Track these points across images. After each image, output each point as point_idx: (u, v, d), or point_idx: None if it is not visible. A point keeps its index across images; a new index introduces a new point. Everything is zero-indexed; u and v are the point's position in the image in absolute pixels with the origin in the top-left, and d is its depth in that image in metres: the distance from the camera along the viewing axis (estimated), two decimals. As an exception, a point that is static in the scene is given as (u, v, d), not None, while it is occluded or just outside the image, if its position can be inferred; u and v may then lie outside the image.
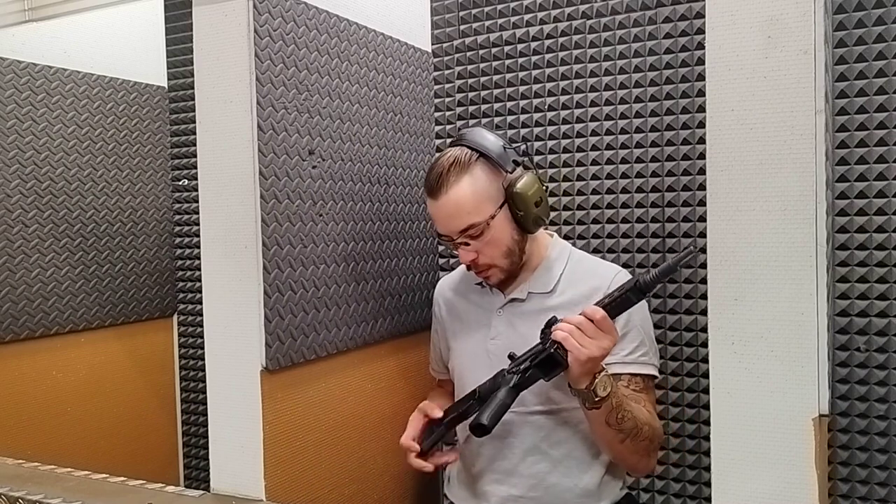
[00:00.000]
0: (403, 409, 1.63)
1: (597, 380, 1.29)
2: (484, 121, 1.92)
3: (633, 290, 1.27)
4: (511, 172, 1.44)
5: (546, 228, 1.59)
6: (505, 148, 1.44)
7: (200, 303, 2.04)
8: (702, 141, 1.66)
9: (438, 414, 1.51)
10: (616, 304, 1.28)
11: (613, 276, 1.49)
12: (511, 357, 1.37)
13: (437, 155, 1.50)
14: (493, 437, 1.42)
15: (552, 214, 1.82)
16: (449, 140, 1.93)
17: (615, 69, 1.78)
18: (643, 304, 1.52)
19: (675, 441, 1.76)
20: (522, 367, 1.34)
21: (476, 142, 1.45)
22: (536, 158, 1.85)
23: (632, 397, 1.43)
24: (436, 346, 1.72)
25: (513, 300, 1.53)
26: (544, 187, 1.47)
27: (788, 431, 1.02)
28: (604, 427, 1.36)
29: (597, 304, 1.30)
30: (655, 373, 1.49)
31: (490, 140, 1.45)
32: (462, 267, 1.73)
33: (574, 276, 1.51)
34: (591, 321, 1.26)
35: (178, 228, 2.46)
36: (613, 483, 1.51)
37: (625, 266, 1.66)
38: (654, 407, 1.48)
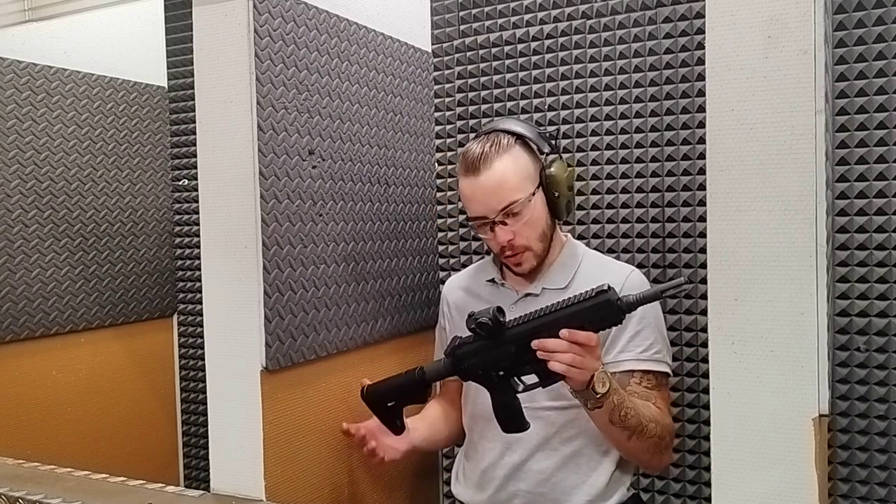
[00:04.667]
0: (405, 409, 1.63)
1: (594, 378, 1.29)
2: (484, 121, 1.92)
3: (615, 311, 1.24)
4: (546, 156, 1.49)
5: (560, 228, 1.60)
6: (539, 133, 1.50)
7: (200, 303, 2.04)
8: (702, 141, 1.66)
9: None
10: (587, 318, 1.25)
11: (628, 274, 1.49)
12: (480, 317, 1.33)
13: (470, 142, 1.51)
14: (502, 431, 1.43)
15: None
16: (472, 135, 1.93)
17: (615, 69, 1.78)
18: (657, 303, 1.53)
19: (675, 441, 1.76)
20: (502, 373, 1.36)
21: (510, 128, 1.49)
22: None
23: (643, 395, 1.43)
24: (443, 345, 1.71)
25: (527, 295, 1.53)
26: (574, 175, 1.52)
27: (788, 431, 1.02)
28: (609, 426, 1.36)
29: (570, 314, 1.26)
30: (669, 371, 1.49)
31: (524, 126, 1.51)
32: (471, 266, 1.73)
33: (589, 273, 1.51)
34: (579, 343, 1.25)
35: (178, 228, 2.46)
36: (622, 483, 1.51)
37: (625, 266, 1.66)
38: (667, 405, 1.48)
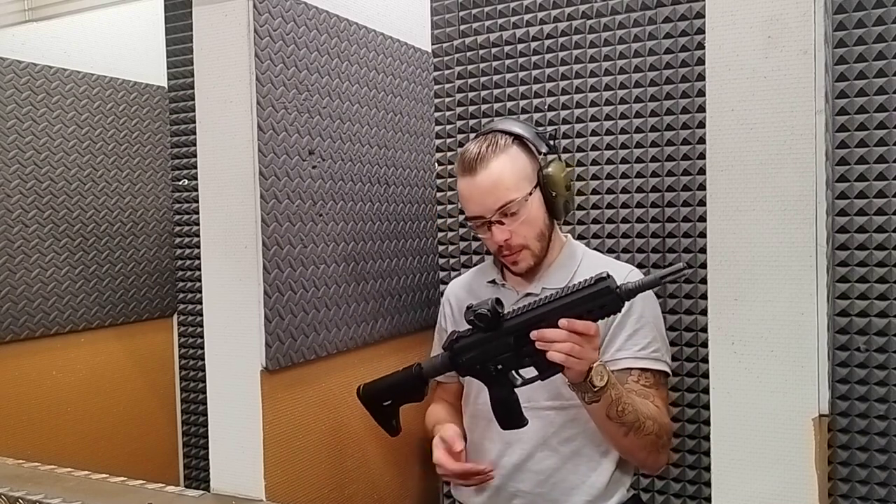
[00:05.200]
0: (403, 409, 1.63)
1: (592, 371, 1.29)
2: (484, 121, 1.92)
3: (615, 299, 1.24)
4: (544, 156, 1.49)
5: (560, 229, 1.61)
6: (537, 134, 1.50)
7: (200, 303, 2.04)
8: (702, 141, 1.66)
9: (460, 447, 1.51)
10: (587, 307, 1.25)
11: (626, 274, 1.49)
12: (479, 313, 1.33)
13: (468, 143, 1.51)
14: (502, 431, 1.43)
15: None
16: (472, 135, 1.93)
17: (615, 69, 1.78)
18: (656, 302, 1.53)
19: (675, 441, 1.76)
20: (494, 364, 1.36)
21: (508, 128, 1.50)
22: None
23: (640, 393, 1.43)
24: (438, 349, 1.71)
25: (527, 295, 1.53)
26: (572, 175, 1.53)
27: (788, 431, 1.02)
28: (606, 421, 1.36)
29: (568, 303, 1.25)
30: (667, 370, 1.49)
31: (522, 126, 1.51)
32: (473, 268, 1.73)
33: (588, 273, 1.51)
34: (577, 333, 1.25)
35: (178, 228, 2.46)
36: (622, 483, 1.51)
37: (625, 266, 1.66)
38: (665, 404, 1.48)
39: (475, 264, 1.84)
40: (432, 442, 1.55)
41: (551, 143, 1.51)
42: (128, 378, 2.34)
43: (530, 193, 1.46)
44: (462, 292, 1.67)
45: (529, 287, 1.54)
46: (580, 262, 1.55)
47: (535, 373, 1.33)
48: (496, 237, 1.46)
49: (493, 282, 1.60)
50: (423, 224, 1.92)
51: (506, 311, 1.33)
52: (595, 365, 1.29)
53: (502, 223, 1.46)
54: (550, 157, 1.50)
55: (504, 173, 1.44)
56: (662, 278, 1.22)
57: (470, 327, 1.36)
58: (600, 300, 1.24)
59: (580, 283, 1.27)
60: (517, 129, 1.50)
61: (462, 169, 1.48)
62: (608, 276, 1.25)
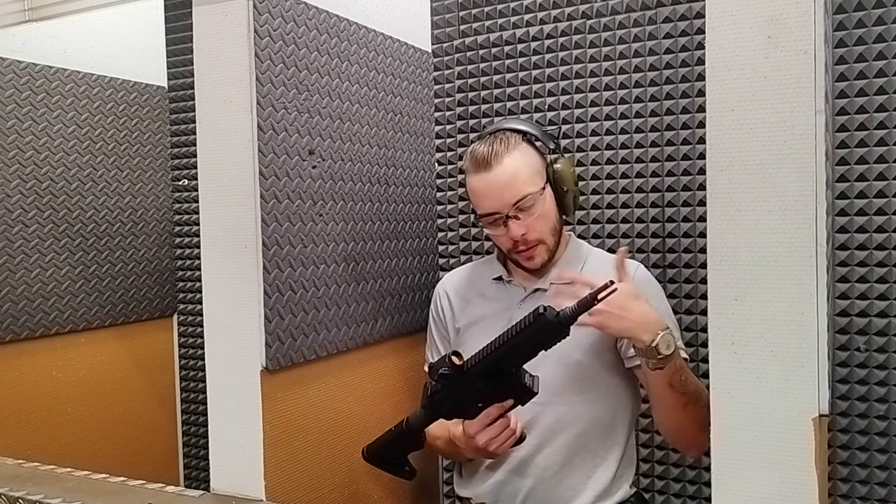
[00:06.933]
0: (403, 409, 1.63)
1: (659, 337, 1.30)
2: (484, 121, 1.92)
3: (558, 328, 1.25)
4: (552, 153, 1.51)
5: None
6: (543, 132, 1.52)
7: (200, 303, 2.04)
8: (702, 141, 1.66)
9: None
10: (534, 342, 1.28)
11: (633, 271, 1.49)
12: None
13: (476, 143, 1.51)
14: None
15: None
16: (472, 135, 1.93)
17: (615, 69, 1.78)
18: (660, 289, 1.55)
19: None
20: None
21: (516, 126, 1.51)
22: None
23: None
24: (436, 344, 1.70)
25: (536, 290, 1.54)
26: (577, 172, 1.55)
27: (788, 431, 1.02)
28: (667, 390, 1.36)
29: (517, 343, 1.27)
30: (686, 356, 1.47)
31: (529, 124, 1.54)
32: (468, 265, 1.73)
33: (594, 268, 1.52)
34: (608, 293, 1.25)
35: (178, 228, 2.46)
36: (625, 480, 1.52)
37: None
38: None
39: (475, 264, 1.84)
40: (457, 443, 1.49)
41: (557, 140, 1.53)
42: (128, 378, 2.34)
43: (543, 188, 1.47)
44: (460, 289, 1.66)
45: (538, 283, 1.54)
46: (586, 258, 1.56)
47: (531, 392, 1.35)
48: (513, 232, 1.46)
49: (499, 278, 1.60)
50: (423, 224, 1.92)
51: (464, 360, 1.33)
52: (663, 332, 1.30)
53: (518, 218, 1.46)
54: (557, 154, 1.51)
55: (519, 167, 1.45)
56: (594, 298, 1.24)
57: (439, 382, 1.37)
58: (544, 333, 1.27)
59: (522, 320, 1.28)
60: (524, 126, 1.51)
61: (475, 166, 1.48)
62: (545, 309, 1.26)
